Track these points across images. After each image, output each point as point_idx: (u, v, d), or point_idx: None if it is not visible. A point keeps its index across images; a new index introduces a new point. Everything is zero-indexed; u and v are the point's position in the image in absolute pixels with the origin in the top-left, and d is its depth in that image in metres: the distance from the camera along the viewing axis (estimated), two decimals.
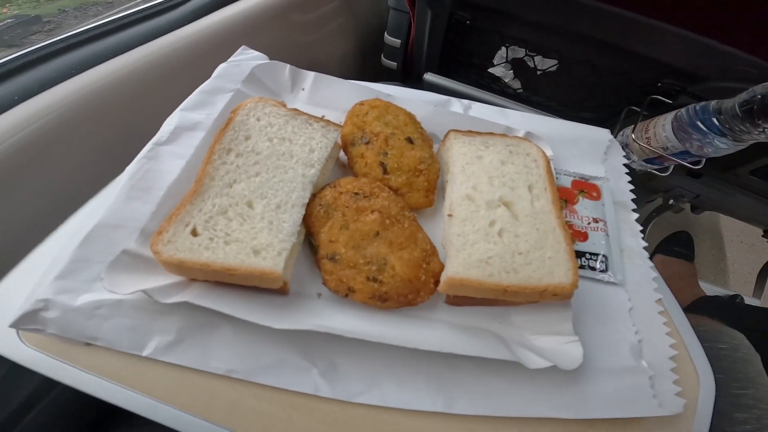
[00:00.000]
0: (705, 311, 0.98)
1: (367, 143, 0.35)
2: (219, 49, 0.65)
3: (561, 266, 0.30)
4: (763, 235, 1.02)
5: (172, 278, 0.28)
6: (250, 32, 0.72)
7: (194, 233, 0.27)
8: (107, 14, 0.63)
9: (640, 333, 0.34)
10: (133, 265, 0.28)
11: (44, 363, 0.29)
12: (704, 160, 0.71)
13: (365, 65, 1.03)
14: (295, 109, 0.36)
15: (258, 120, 0.34)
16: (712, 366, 0.43)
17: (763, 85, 0.48)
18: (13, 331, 0.29)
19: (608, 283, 0.36)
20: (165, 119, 0.39)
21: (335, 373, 0.29)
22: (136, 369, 0.29)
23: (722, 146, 0.64)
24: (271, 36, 0.77)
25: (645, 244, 0.39)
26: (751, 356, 0.49)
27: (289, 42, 0.82)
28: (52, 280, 0.28)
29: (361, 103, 0.38)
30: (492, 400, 0.29)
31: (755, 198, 0.84)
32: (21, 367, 0.29)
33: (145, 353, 0.28)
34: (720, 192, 0.89)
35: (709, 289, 1.10)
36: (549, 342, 0.30)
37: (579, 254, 0.36)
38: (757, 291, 1.12)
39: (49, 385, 0.35)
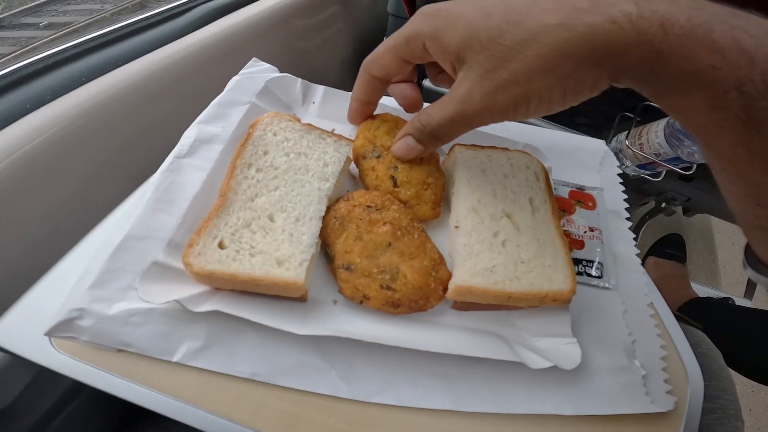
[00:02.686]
0: (697, 313, 1.01)
1: (378, 157, 0.37)
2: (225, 55, 0.67)
3: (560, 273, 0.32)
4: None
5: (199, 288, 0.30)
6: (254, 39, 0.74)
7: (221, 246, 0.29)
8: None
9: (633, 335, 0.36)
10: (163, 275, 0.30)
11: (77, 368, 0.30)
12: (695, 165, 0.73)
13: None
14: (309, 124, 0.38)
15: (275, 135, 0.36)
16: None
17: None
18: (45, 338, 0.30)
19: (603, 288, 0.38)
20: (173, 125, 0.40)
21: (352, 375, 0.31)
22: (166, 373, 0.30)
23: None
24: (273, 42, 0.79)
25: (637, 251, 0.41)
26: (711, 352, 0.53)
27: (291, 47, 0.84)
28: (86, 290, 0.30)
29: (373, 118, 0.40)
30: (497, 397, 0.31)
31: None
32: (47, 373, 0.30)
33: (175, 359, 0.30)
34: (711, 195, 0.92)
35: (701, 290, 1.12)
36: (549, 343, 0.32)
37: (576, 261, 0.38)
38: (749, 292, 1.14)
39: (74, 391, 0.36)
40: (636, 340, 0.35)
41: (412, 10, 0.77)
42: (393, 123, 0.39)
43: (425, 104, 0.48)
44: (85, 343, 0.29)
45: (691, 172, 0.73)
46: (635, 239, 0.42)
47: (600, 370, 0.33)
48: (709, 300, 1.07)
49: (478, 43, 0.26)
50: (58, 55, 0.56)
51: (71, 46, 0.58)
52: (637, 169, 0.81)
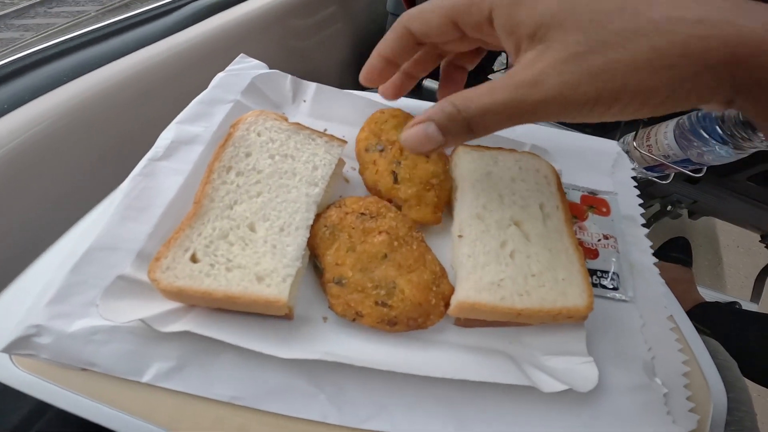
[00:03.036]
0: (705, 318, 0.99)
1: (382, 151, 0.35)
2: (216, 54, 0.65)
3: (575, 287, 0.29)
4: (760, 241, 1.03)
5: (171, 304, 0.27)
6: (248, 37, 0.72)
7: (194, 259, 0.26)
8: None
9: (653, 350, 0.33)
10: (130, 290, 0.27)
11: (39, 387, 0.28)
12: (705, 168, 0.71)
13: None
14: (298, 123, 0.35)
15: (259, 135, 0.33)
16: None
17: None
18: (5, 355, 0.28)
19: (619, 300, 0.35)
20: (160, 127, 0.38)
21: (343, 399, 0.28)
22: (137, 394, 0.28)
23: (723, 154, 0.64)
24: (268, 41, 0.77)
25: (655, 260, 0.38)
26: (728, 362, 0.51)
27: (287, 47, 0.82)
28: (45, 305, 0.27)
29: (381, 111, 0.38)
30: (504, 422, 0.28)
31: (752, 203, 0.85)
32: (10, 392, 0.28)
33: (144, 379, 0.27)
34: (717, 198, 0.90)
35: (707, 294, 1.10)
36: (562, 363, 0.30)
37: (590, 272, 0.35)
38: (755, 296, 1.12)
39: (40, 410, 0.34)
40: (656, 355, 0.33)
41: None
42: (403, 119, 0.37)
43: (430, 104, 0.45)
44: (46, 361, 0.27)
45: (701, 175, 0.71)
46: (651, 247, 0.39)
47: (617, 389, 0.30)
48: (716, 305, 1.06)
49: (573, 22, 0.22)
50: (40, 53, 0.54)
51: (54, 44, 0.55)
52: (644, 171, 0.79)
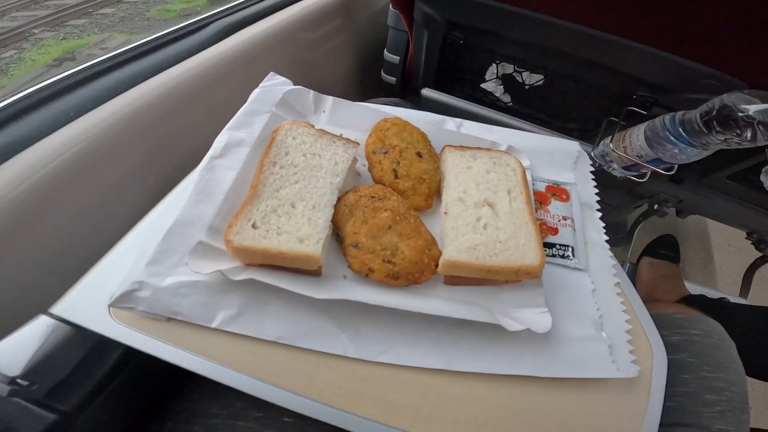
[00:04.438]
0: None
1: (385, 153, 0.44)
2: (239, 68, 0.72)
3: (531, 251, 0.38)
4: (746, 237, 1.04)
5: (235, 263, 0.36)
6: (265, 51, 0.78)
7: (254, 227, 0.36)
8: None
9: (601, 310, 0.40)
10: (207, 252, 0.36)
11: (132, 336, 0.35)
12: (676, 166, 0.77)
13: (366, 80, 1.08)
14: (322, 130, 0.44)
15: (294, 139, 0.43)
16: (685, 350, 0.48)
17: (719, 97, 0.52)
18: (106, 312, 0.35)
19: (575, 269, 0.43)
20: (192, 136, 0.44)
21: (359, 338, 0.36)
22: (205, 339, 0.35)
23: (692, 153, 0.68)
24: (281, 54, 0.84)
25: (606, 237, 0.46)
26: (723, 343, 0.51)
27: (297, 59, 0.89)
28: (144, 266, 0.36)
29: (385, 120, 0.47)
30: (482, 359, 0.36)
31: (735, 201, 0.88)
32: (102, 343, 0.34)
33: (213, 325, 0.35)
34: (701, 197, 0.94)
35: (698, 290, 1.14)
36: (526, 313, 0.37)
37: (551, 245, 0.44)
38: (743, 291, 1.16)
39: (128, 356, 0.38)
40: (603, 314, 0.40)
41: (411, 24, 0.83)
42: (401, 126, 0.46)
43: (425, 117, 0.53)
44: (141, 314, 0.34)
45: (672, 173, 0.77)
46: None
47: (571, 339, 0.38)
48: (701, 297, 1.09)
49: None
50: (80, 74, 0.60)
51: (92, 64, 0.62)
52: (623, 171, 0.85)
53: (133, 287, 0.35)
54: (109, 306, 0.34)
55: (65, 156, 0.50)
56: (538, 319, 0.37)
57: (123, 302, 0.34)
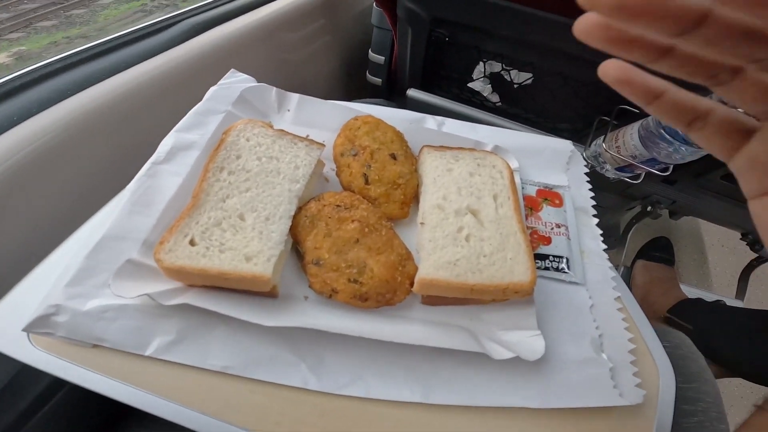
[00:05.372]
0: (687, 313, 1.01)
1: (355, 155, 0.39)
2: (210, 68, 0.69)
3: (521, 266, 0.33)
4: (741, 238, 1.04)
5: (173, 284, 0.32)
6: (240, 51, 0.76)
7: (192, 243, 0.31)
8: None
9: (601, 328, 0.36)
10: (137, 272, 0.31)
11: (53, 364, 0.31)
12: (672, 166, 0.74)
13: (351, 81, 1.05)
14: (281, 130, 0.39)
15: (248, 140, 0.37)
16: None
17: (714, 93, 0.51)
18: (24, 335, 0.31)
19: (570, 282, 0.39)
20: (157, 136, 0.42)
21: (322, 368, 0.32)
22: (139, 368, 0.31)
23: (687, 152, 0.67)
24: (259, 54, 0.81)
25: (604, 246, 0.42)
26: (692, 354, 0.51)
27: (277, 60, 0.86)
28: (63, 287, 0.31)
29: (356, 118, 0.42)
30: (465, 390, 0.32)
31: (729, 202, 0.86)
32: (28, 371, 0.31)
33: (147, 352, 0.31)
34: (695, 197, 0.93)
35: (693, 293, 1.12)
36: (515, 336, 0.33)
37: (543, 257, 0.40)
38: (739, 293, 1.14)
39: (54, 388, 0.35)
40: (603, 333, 0.36)
41: (395, 23, 0.80)
42: (374, 125, 0.41)
43: (402, 115, 0.49)
44: (61, 339, 0.30)
45: (668, 173, 0.75)
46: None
47: (567, 363, 0.34)
48: (698, 301, 1.07)
49: None
50: (44, 68, 0.57)
51: (57, 59, 0.59)
52: (617, 172, 0.83)
53: (48, 311, 0.30)
54: (24, 330, 0.30)
55: (14, 159, 0.47)
56: (529, 342, 0.33)
57: (38, 327, 0.30)
